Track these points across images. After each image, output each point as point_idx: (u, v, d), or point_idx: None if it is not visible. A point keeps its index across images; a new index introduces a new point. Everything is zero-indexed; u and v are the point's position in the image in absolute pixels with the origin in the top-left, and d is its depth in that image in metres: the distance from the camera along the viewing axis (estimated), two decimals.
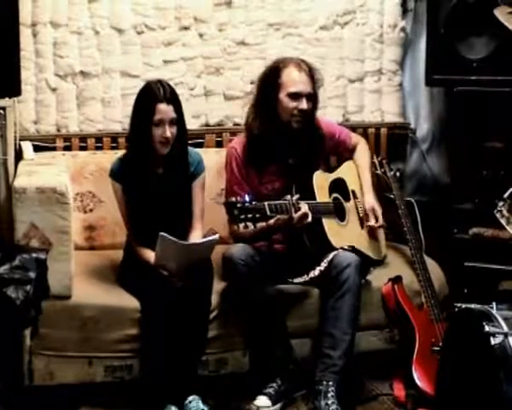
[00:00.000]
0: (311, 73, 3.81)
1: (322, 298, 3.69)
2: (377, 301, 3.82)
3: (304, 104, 3.74)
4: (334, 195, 3.89)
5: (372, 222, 3.91)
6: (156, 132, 3.57)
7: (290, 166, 3.81)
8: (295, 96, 3.74)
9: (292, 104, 3.74)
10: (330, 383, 3.49)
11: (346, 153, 4.10)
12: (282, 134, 3.77)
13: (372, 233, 3.97)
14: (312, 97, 3.80)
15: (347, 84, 4.64)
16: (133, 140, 3.67)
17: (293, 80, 3.75)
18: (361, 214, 3.96)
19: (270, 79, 3.79)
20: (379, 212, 3.93)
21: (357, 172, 4.04)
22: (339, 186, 3.93)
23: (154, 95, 3.59)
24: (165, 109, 3.57)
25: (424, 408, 3.45)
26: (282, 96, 3.75)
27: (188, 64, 4.39)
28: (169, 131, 3.56)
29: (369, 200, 3.95)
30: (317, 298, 3.73)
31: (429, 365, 3.47)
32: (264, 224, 3.48)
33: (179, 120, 3.62)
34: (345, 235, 3.83)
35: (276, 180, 3.82)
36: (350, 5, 4.57)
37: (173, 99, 3.61)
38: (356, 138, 4.14)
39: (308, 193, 3.70)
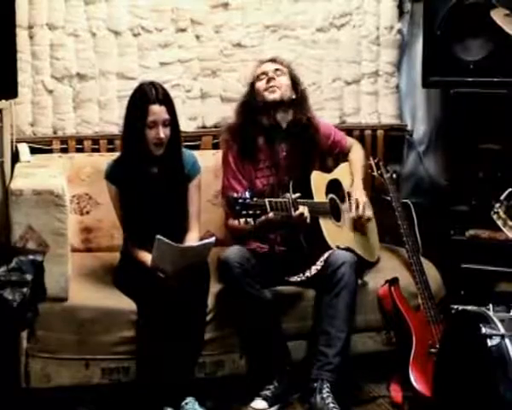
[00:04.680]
0: (284, 63, 3.99)
1: (318, 296, 3.70)
2: (374, 302, 3.82)
3: (270, 74, 3.89)
4: (331, 195, 3.90)
5: (352, 213, 3.90)
6: (150, 134, 3.57)
7: (282, 160, 3.85)
8: (261, 76, 3.91)
9: (260, 83, 3.90)
10: (325, 380, 3.50)
11: (342, 154, 4.13)
12: (267, 119, 3.87)
13: (363, 231, 3.96)
14: (285, 76, 3.93)
15: (344, 87, 4.64)
16: (127, 142, 3.68)
17: (260, 69, 3.94)
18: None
19: (251, 77, 3.97)
20: (361, 204, 3.90)
21: (350, 169, 4.05)
22: (335, 187, 3.94)
23: (146, 96, 3.59)
24: (157, 110, 3.57)
25: None
26: (256, 83, 3.91)
27: (184, 66, 4.38)
28: (162, 133, 3.57)
29: (357, 191, 3.95)
30: (312, 300, 3.73)
31: (426, 366, 3.47)
32: (263, 218, 3.50)
33: (173, 121, 3.62)
34: (341, 235, 3.84)
35: (270, 175, 3.86)
36: (346, 7, 4.57)
37: (166, 100, 3.61)
38: (350, 141, 4.19)
39: (305, 192, 3.72)
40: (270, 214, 3.51)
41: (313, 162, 3.92)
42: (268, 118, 3.86)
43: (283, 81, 3.90)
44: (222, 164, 3.92)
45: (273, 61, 3.99)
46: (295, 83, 3.95)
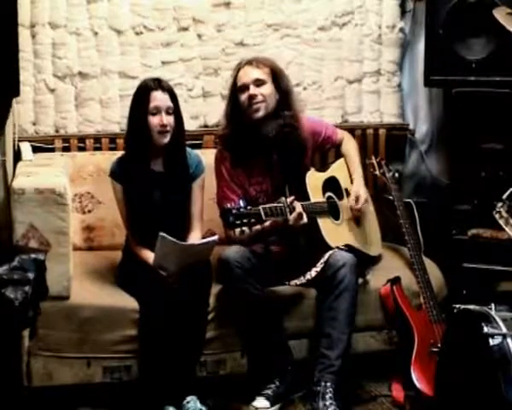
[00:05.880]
0: (263, 64, 3.78)
1: (319, 298, 3.69)
2: (376, 302, 3.82)
3: (251, 90, 3.73)
4: (328, 194, 3.89)
5: (352, 203, 3.88)
6: (153, 122, 3.56)
7: (275, 166, 3.79)
8: (243, 88, 3.75)
9: (243, 97, 3.75)
10: (328, 383, 3.49)
11: (334, 148, 4.12)
12: (254, 134, 3.75)
13: (363, 226, 3.95)
14: (266, 84, 3.75)
15: (346, 85, 4.64)
16: (131, 134, 3.66)
17: (240, 77, 3.78)
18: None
19: (232, 83, 3.82)
20: (362, 197, 3.89)
21: (347, 165, 4.03)
22: (332, 185, 3.92)
23: (148, 85, 3.60)
24: (160, 97, 3.57)
25: None
26: (238, 95, 3.77)
27: (186, 65, 4.39)
28: (166, 119, 3.56)
29: (356, 186, 3.93)
30: (313, 299, 3.73)
31: (428, 366, 3.47)
32: (259, 227, 3.49)
33: (176, 112, 3.62)
34: (340, 234, 3.83)
35: (263, 182, 3.81)
36: (348, 6, 4.57)
37: (169, 90, 3.61)
38: (341, 133, 4.11)
39: (301, 193, 3.70)
40: (267, 223, 3.49)
41: (306, 163, 3.87)
42: (255, 133, 3.75)
43: (266, 92, 3.73)
44: (215, 175, 3.85)
45: (251, 63, 3.77)
46: (278, 80, 3.80)
